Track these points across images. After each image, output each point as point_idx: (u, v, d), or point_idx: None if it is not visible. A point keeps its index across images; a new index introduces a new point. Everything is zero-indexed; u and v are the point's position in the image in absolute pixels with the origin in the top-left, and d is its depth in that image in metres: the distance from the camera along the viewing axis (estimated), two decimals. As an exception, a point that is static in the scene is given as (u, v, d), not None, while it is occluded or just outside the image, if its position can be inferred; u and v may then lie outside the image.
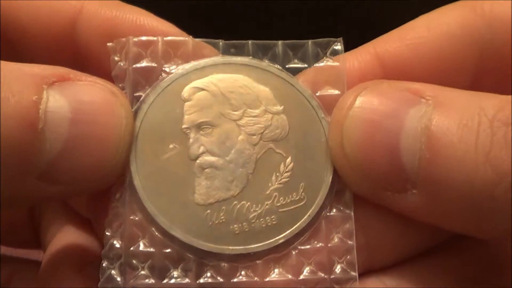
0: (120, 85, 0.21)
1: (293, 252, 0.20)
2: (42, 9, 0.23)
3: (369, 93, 0.20)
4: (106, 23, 0.22)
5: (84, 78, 0.20)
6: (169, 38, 0.21)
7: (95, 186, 0.20)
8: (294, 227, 0.20)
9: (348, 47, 0.22)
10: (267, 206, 0.20)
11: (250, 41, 0.22)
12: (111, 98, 0.20)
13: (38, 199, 0.21)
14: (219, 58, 0.21)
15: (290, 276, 0.20)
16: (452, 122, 0.19)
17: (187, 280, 0.19)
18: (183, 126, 0.20)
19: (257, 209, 0.20)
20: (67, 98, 0.19)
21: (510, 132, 0.19)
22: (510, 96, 0.20)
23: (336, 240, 0.20)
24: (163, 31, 0.22)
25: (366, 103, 0.20)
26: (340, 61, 0.22)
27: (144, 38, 0.21)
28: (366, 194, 0.20)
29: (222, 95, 0.21)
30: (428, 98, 0.20)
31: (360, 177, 0.20)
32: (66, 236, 0.26)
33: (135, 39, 0.21)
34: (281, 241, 0.20)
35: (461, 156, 0.19)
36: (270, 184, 0.20)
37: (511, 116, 0.19)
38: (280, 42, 0.22)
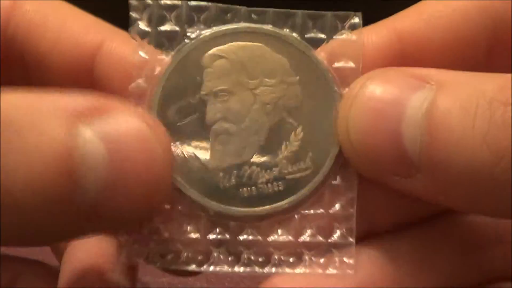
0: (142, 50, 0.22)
1: (296, 216, 0.22)
2: (64, 40, 0.23)
3: (374, 81, 0.21)
4: (123, 62, 0.22)
5: (119, 107, 0.19)
6: (193, 2, 0.22)
7: (144, 218, 0.21)
8: (299, 194, 0.21)
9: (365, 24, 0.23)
10: (275, 173, 0.21)
11: (271, 10, 0.22)
12: (147, 132, 0.19)
13: (87, 235, 0.21)
14: (240, 26, 0.22)
15: (290, 238, 0.21)
16: (453, 105, 0.20)
17: (197, 235, 0.21)
18: (202, 93, 0.21)
19: (265, 175, 0.21)
20: (102, 137, 0.18)
21: (508, 112, 0.19)
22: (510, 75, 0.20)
23: (337, 207, 0.22)
24: None
25: (371, 91, 0.21)
26: (358, 35, 0.22)
27: (169, 1, 0.22)
28: (374, 178, 0.21)
29: (240, 64, 0.22)
30: (433, 83, 0.20)
31: (366, 163, 0.21)
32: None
33: (162, 2, 0.22)
34: (285, 206, 0.21)
35: (459, 139, 0.19)
36: (279, 152, 0.21)
37: (511, 96, 0.19)
38: (300, 11, 0.22)
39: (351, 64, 0.22)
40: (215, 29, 0.22)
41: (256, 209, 0.21)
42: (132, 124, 0.19)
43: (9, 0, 0.24)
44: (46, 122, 0.18)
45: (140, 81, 0.22)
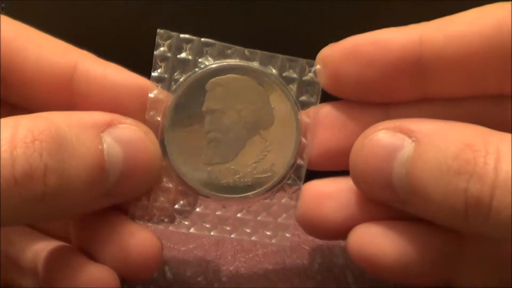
0: (159, 70, 0.29)
1: (257, 203, 0.31)
2: (44, 62, 0.28)
3: (373, 133, 0.26)
4: (96, 82, 0.28)
5: (123, 121, 0.27)
6: (204, 39, 0.30)
7: (141, 193, 0.29)
8: (261, 189, 0.30)
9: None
10: (247, 172, 0.30)
11: (259, 51, 0.30)
12: (144, 137, 0.27)
13: (103, 206, 0.28)
14: (236, 62, 0.30)
15: (251, 217, 0.31)
16: (428, 164, 0.24)
17: (188, 208, 0.30)
18: (203, 109, 0.30)
19: (240, 172, 0.30)
20: (118, 142, 0.26)
21: (471, 182, 0.23)
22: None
23: (285, 199, 0.31)
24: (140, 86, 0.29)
25: (369, 143, 0.26)
26: (319, 78, 0.30)
27: (187, 36, 0.30)
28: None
29: (233, 91, 0.30)
30: (414, 139, 0.25)
31: (367, 191, 0.28)
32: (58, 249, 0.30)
33: (181, 36, 0.29)
34: (251, 196, 0.30)
35: (432, 190, 0.24)
36: (251, 158, 0.30)
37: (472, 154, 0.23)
38: (280, 56, 0.30)
39: (311, 99, 0.30)
40: (218, 62, 0.30)
41: (231, 196, 0.30)
42: (134, 131, 0.27)
43: None
44: (82, 134, 0.25)
45: (152, 113, 0.29)
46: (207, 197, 0.30)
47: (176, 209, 0.30)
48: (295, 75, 0.31)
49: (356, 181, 0.28)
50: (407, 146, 0.25)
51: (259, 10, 0.36)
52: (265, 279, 0.32)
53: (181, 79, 0.30)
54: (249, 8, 0.36)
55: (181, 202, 0.30)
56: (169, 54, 0.30)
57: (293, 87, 0.30)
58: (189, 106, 0.30)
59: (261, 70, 0.30)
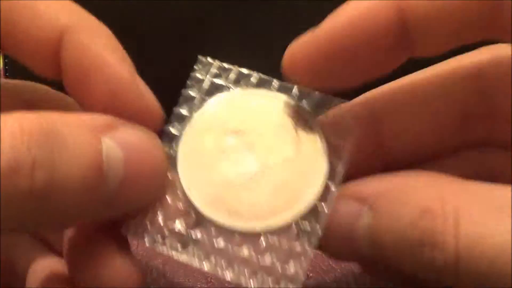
0: (192, 89, 0.29)
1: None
2: (35, 22, 0.26)
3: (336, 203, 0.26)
4: (84, 54, 0.26)
5: (124, 123, 0.25)
6: (239, 69, 0.30)
7: (144, 205, 0.26)
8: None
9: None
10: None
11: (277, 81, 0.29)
12: (148, 141, 0.26)
13: (103, 217, 0.26)
14: (260, 91, 0.29)
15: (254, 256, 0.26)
16: (389, 235, 0.24)
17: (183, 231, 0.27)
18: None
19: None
20: (119, 144, 0.24)
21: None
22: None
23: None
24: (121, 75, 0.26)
25: (333, 215, 0.26)
26: None
27: (226, 65, 0.30)
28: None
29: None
30: (369, 205, 0.25)
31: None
32: (47, 263, 0.30)
33: (219, 64, 0.30)
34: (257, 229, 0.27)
35: (406, 267, 0.24)
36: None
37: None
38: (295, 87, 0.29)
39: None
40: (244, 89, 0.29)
41: (237, 224, 0.27)
42: (137, 135, 0.25)
43: None
44: (78, 131, 0.23)
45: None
46: (210, 221, 0.27)
47: (171, 230, 0.27)
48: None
49: (328, 254, 0.27)
50: (365, 215, 0.25)
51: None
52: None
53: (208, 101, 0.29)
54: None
55: (179, 222, 0.27)
56: (200, 76, 0.30)
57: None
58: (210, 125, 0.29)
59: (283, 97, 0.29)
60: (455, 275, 0.22)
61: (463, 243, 0.22)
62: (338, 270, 0.32)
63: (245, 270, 0.26)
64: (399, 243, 0.23)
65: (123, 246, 0.28)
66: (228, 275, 0.26)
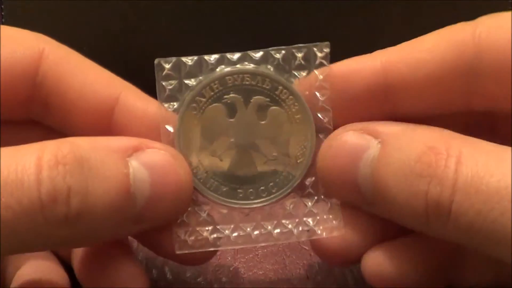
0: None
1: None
2: (88, 91, 0.28)
3: (341, 134, 0.27)
4: (137, 116, 0.28)
5: (151, 145, 0.26)
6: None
7: (171, 219, 0.28)
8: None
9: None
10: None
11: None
12: (173, 161, 0.26)
13: (132, 233, 0.28)
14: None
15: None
16: (392, 166, 0.24)
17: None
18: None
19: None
20: (145, 166, 0.25)
21: (433, 184, 0.23)
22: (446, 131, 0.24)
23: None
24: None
25: (336, 144, 0.27)
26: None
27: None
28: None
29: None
30: (380, 140, 0.25)
31: (335, 191, 0.28)
32: (32, 269, 0.30)
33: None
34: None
35: (398, 199, 0.24)
36: None
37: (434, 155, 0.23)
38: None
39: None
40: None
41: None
42: (162, 156, 0.26)
43: (36, 50, 0.28)
44: (107, 158, 0.25)
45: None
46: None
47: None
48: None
49: (323, 182, 0.28)
50: (373, 147, 0.26)
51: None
52: (265, 279, 0.31)
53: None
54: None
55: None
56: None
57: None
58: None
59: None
60: (446, 215, 0.23)
61: (462, 179, 0.22)
62: (338, 270, 0.32)
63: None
64: (399, 175, 0.24)
65: (127, 250, 0.29)
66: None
